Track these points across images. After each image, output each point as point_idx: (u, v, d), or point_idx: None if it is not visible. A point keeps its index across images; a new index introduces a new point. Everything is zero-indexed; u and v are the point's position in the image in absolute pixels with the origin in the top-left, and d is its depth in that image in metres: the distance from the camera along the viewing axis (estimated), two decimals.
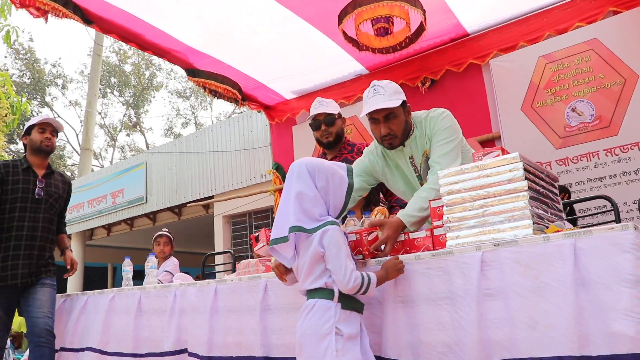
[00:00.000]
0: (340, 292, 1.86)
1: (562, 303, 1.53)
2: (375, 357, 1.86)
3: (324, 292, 1.88)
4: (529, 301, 1.60)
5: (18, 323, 10.72)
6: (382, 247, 2.15)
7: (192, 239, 13.12)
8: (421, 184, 2.63)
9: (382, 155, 2.79)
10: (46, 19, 4.28)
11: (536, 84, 4.53)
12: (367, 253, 2.14)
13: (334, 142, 3.53)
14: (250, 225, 9.14)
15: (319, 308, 1.86)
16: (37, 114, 26.63)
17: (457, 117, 2.61)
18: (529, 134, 4.50)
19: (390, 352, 1.82)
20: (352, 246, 2.14)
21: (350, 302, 1.87)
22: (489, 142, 4.76)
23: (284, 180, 6.28)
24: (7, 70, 25.14)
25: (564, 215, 2.02)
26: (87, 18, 4.39)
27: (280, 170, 6.66)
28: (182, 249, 13.03)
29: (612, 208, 2.95)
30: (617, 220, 2.90)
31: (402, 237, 2.10)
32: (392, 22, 4.38)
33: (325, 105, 3.51)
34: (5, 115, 6.97)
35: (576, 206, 4.25)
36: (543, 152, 4.41)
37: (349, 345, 1.79)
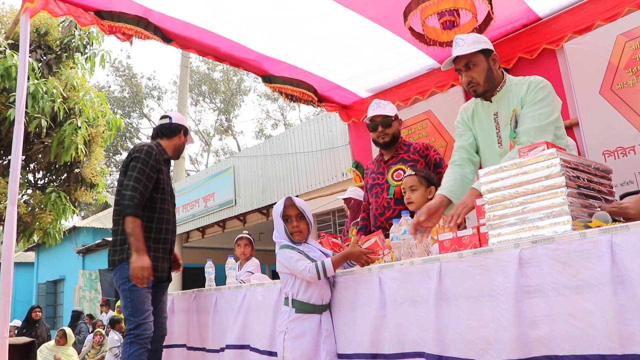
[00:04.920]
0: (293, 299, 2.39)
1: (601, 302, 1.50)
2: (420, 352, 1.90)
3: (286, 300, 2.44)
4: (568, 299, 1.57)
5: None
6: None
7: None
8: (499, 142, 2.62)
9: (473, 109, 2.81)
10: (131, 42, 4.61)
11: (615, 64, 4.26)
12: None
13: (390, 142, 3.60)
14: (334, 223, 9.30)
15: (282, 312, 2.45)
16: (137, 125, 28.41)
17: None
18: (610, 117, 4.24)
19: (434, 348, 1.84)
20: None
21: (302, 306, 2.37)
22: (568, 129, 4.51)
23: (363, 178, 6.37)
24: (110, 86, 27.03)
25: None
26: (166, 37, 4.69)
27: (360, 168, 6.70)
28: (271, 247, 13.39)
29: None
30: None
31: (450, 235, 2.12)
32: (458, 14, 4.33)
33: (383, 107, 3.57)
34: (103, 132, 7.60)
35: None
36: (625, 136, 4.13)
37: (297, 342, 2.31)
